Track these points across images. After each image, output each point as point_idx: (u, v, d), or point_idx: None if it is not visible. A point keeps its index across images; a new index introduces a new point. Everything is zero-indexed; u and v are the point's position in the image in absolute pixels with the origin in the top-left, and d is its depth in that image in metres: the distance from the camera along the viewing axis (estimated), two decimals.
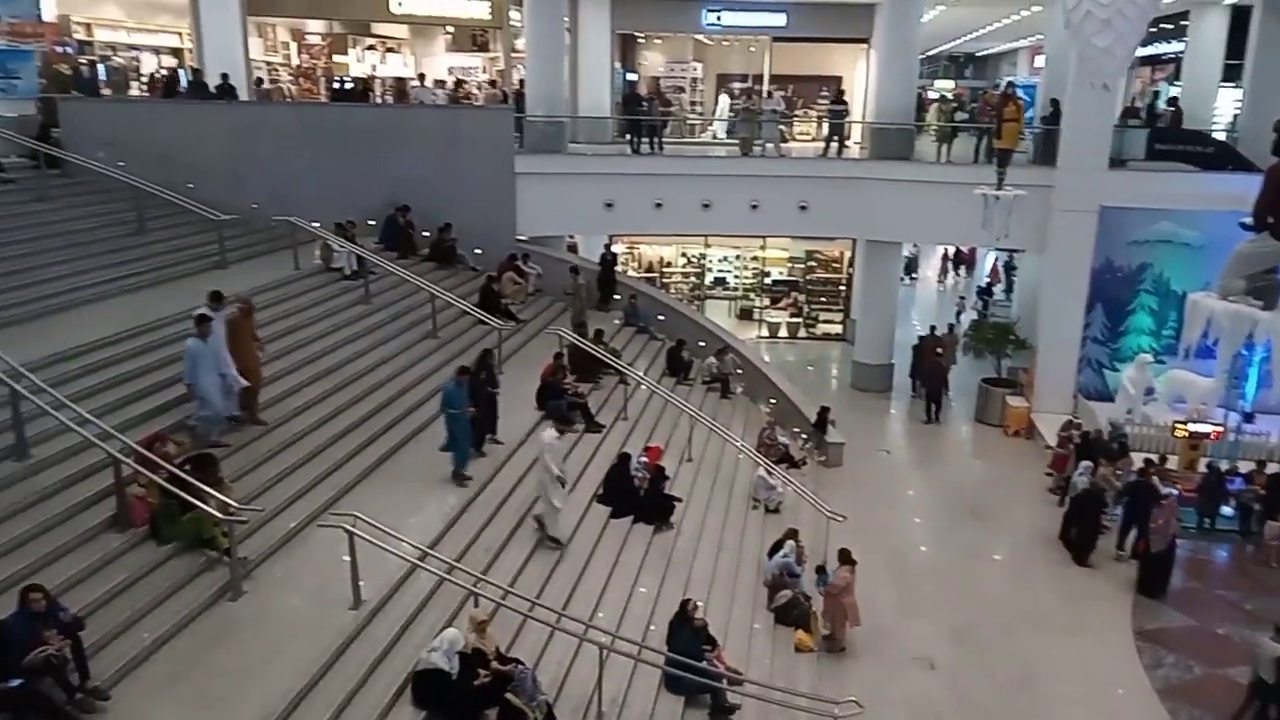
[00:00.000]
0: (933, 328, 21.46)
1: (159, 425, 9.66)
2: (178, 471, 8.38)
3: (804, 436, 17.65)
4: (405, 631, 8.29)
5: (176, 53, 22.52)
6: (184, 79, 19.43)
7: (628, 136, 21.72)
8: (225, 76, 18.42)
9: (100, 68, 19.57)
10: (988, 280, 31.35)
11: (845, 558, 11.82)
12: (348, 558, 8.16)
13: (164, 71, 20.60)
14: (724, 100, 26.38)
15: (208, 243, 14.58)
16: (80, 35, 20.56)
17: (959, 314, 27.25)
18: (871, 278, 22.66)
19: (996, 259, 31.17)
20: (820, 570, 12.37)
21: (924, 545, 15.22)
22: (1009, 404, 19.73)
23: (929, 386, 20.46)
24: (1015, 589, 13.88)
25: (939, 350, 20.84)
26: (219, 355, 9.98)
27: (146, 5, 22.20)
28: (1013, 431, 19.48)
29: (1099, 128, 18.59)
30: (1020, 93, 19.93)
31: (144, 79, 21.16)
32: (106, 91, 19.08)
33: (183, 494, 8.22)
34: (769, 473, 14.84)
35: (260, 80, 21.74)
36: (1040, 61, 30.30)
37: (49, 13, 18.58)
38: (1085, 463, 15.26)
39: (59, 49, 19.42)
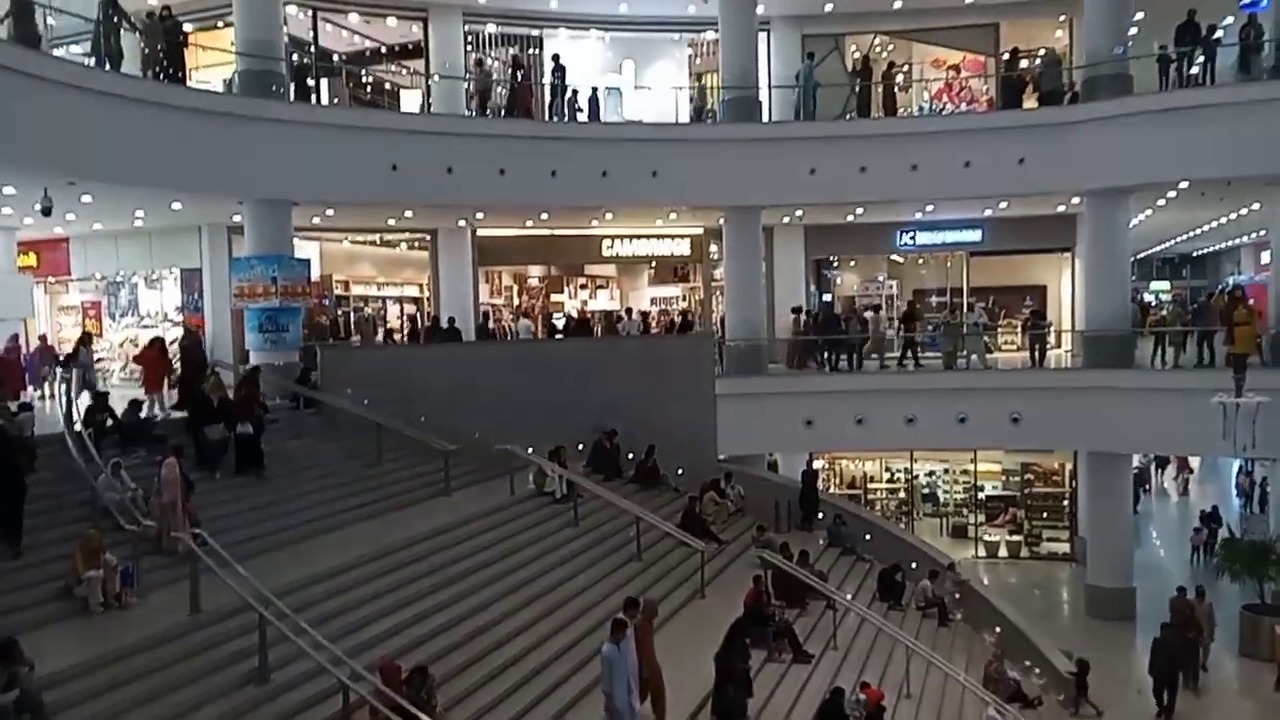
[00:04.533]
0: (1181, 589, 17.57)
1: (387, 648, 10.14)
2: (400, 700, 8.69)
3: (1036, 670, 16.04)
4: None
5: (416, 301, 25.41)
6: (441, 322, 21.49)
7: (825, 355, 22.05)
8: (452, 321, 20.52)
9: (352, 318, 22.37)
10: (1238, 493, 28.41)
11: None
12: None
13: (427, 319, 23.16)
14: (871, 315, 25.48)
15: (435, 471, 15.73)
16: (339, 290, 23.69)
17: (1194, 552, 24.32)
18: (1099, 491, 21.12)
19: (1241, 468, 28.34)
20: None
21: None
22: (1279, 635, 17.24)
23: (1171, 667, 15.87)
24: None
25: (1188, 621, 16.79)
26: (630, 663, 9.75)
27: (394, 262, 25.44)
28: None
29: None
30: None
31: (397, 323, 23.99)
32: (356, 338, 21.66)
33: None
34: (1000, 713, 13.49)
35: (486, 318, 23.94)
36: (1266, 258, 28.55)
37: (314, 273, 21.61)
38: None
39: (319, 301, 22.40)
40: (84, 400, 14.15)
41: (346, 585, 11.36)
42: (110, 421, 13.49)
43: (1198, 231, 34.90)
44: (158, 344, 16.53)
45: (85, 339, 16.39)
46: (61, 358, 20.07)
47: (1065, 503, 24.89)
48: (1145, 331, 21.60)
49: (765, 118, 22.03)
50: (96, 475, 11.39)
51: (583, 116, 21.15)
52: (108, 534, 10.46)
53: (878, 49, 25.14)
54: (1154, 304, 28.13)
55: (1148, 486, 30.78)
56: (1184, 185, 20.80)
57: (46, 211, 15.97)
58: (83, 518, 11.05)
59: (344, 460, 15.63)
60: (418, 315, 24.89)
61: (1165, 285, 46.66)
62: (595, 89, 21.52)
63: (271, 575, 10.48)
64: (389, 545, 12.56)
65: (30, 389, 17.87)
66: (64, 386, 14.00)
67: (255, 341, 18.26)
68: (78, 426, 12.57)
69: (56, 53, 16.55)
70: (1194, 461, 32.89)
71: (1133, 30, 20.75)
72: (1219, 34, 20.29)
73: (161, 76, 16.81)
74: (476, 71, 21.05)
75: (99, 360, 17.87)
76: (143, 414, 14.02)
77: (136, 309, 22.97)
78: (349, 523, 13.56)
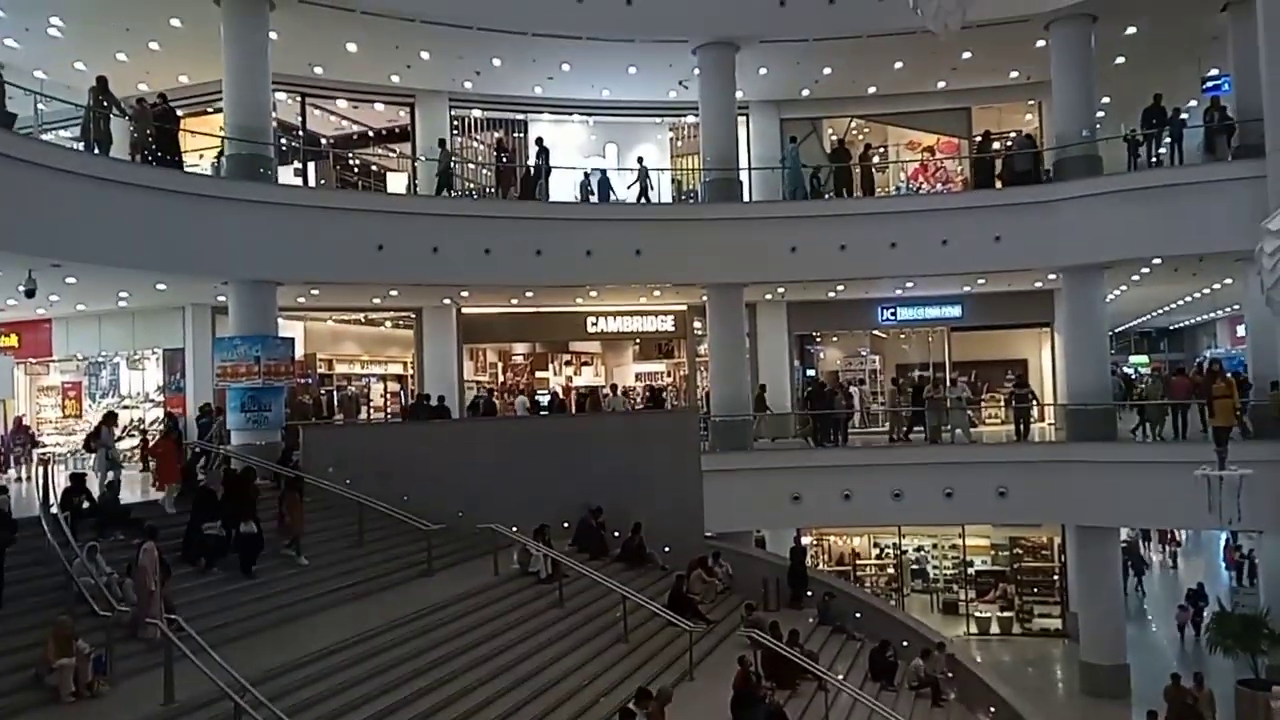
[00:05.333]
0: (1175, 676, 17.30)
1: None
2: None
3: None
4: None
5: (400, 379, 25.39)
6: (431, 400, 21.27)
7: (808, 425, 22.12)
8: (441, 399, 20.49)
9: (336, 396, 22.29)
10: (1226, 566, 28.28)
11: None
12: None
13: (413, 396, 23.05)
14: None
15: (418, 551, 15.49)
16: (322, 369, 23.66)
17: (1180, 630, 23.92)
18: (1088, 566, 20.97)
19: (1229, 541, 28.31)
20: None
21: None
22: (1275, 710, 16.95)
23: None
24: None
25: (1187, 711, 16.31)
26: None
27: (378, 340, 25.50)
28: None
29: None
30: (1226, 366, 19.11)
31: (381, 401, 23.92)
32: (339, 417, 21.54)
33: None
34: None
35: (490, 393, 23.94)
36: (1241, 331, 29.04)
37: (298, 352, 21.57)
38: None
39: (302, 380, 22.32)
40: (103, 477, 14.19)
41: (326, 671, 11.06)
42: (87, 504, 13.27)
43: (1174, 306, 35.53)
44: (173, 436, 15.96)
45: (109, 418, 15.98)
46: (37, 438, 19.98)
47: (1055, 577, 24.69)
48: (1130, 405, 21.74)
49: (746, 197, 22.48)
50: (72, 559, 11.15)
51: (593, 198, 21.71)
52: (81, 619, 10.21)
53: (854, 131, 25.86)
54: (1135, 376, 28.38)
55: (1146, 564, 30.26)
56: (1157, 262, 21.24)
57: (30, 293, 15.95)
58: (56, 603, 10.79)
59: (325, 541, 15.37)
60: (402, 393, 24.85)
61: (1144, 359, 47.27)
62: (604, 172, 22.11)
63: (249, 661, 10.23)
64: (371, 628, 12.28)
65: (9, 471, 17.67)
66: (41, 469, 13.82)
67: (237, 421, 18.09)
68: (54, 509, 12.35)
69: (46, 137, 16.79)
70: (1180, 534, 32.83)
71: (1100, 114, 21.46)
72: (1184, 116, 21.00)
73: (152, 160, 17.01)
74: (439, 151, 21.41)
75: (119, 439, 17.32)
76: (169, 509, 13.96)
77: (117, 389, 22.84)
78: (330, 605, 13.29)
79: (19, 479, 17.66)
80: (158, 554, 11.18)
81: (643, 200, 22.18)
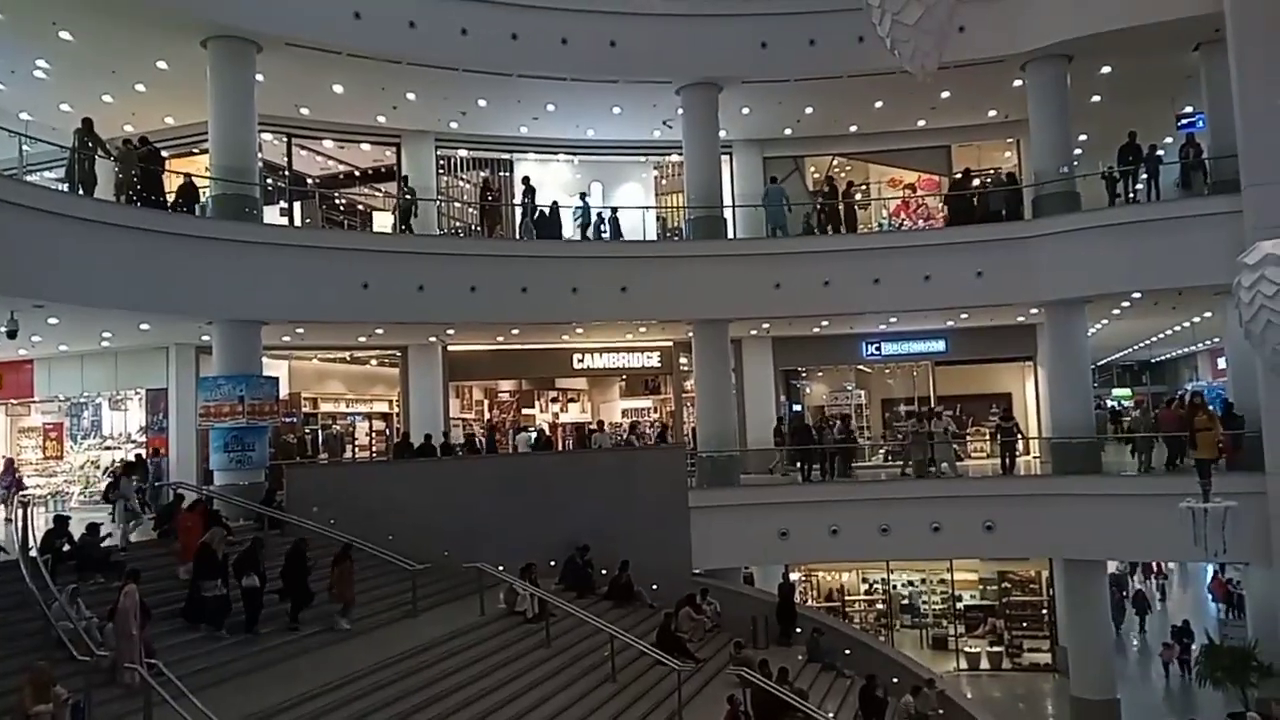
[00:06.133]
0: None
1: None
2: None
3: None
4: None
5: (385, 416, 25.30)
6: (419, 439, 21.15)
7: (798, 465, 22.09)
8: (428, 438, 20.43)
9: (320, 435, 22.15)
10: (1212, 599, 28.27)
11: None
12: None
13: (399, 434, 22.94)
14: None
15: (403, 592, 15.36)
16: (307, 408, 23.53)
17: (1165, 667, 23.80)
18: (1076, 599, 20.91)
19: (1217, 573, 28.32)
20: None
21: None
22: None
23: None
24: None
25: None
26: None
27: (364, 379, 25.44)
28: None
29: None
30: (1208, 397, 19.23)
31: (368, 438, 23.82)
32: (324, 456, 21.41)
33: None
34: None
35: (492, 430, 23.86)
36: (1222, 364, 29.29)
37: (283, 391, 21.46)
38: None
39: (286, 419, 22.18)
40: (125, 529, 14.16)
41: (310, 715, 10.90)
42: (67, 546, 13.10)
43: (1156, 339, 35.83)
44: (200, 508, 15.05)
45: (129, 468, 15.69)
46: (23, 480, 19.74)
47: (1044, 611, 24.63)
48: (1120, 437, 21.73)
49: (730, 234, 22.65)
50: (51, 603, 10.98)
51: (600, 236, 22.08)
52: (60, 665, 10.04)
53: (836, 169, 26.16)
54: (1121, 409, 28.54)
55: (1126, 593, 30.27)
56: (1137, 296, 21.46)
57: (12, 334, 15.82)
58: (34, 648, 10.62)
59: (310, 583, 15.12)
60: (387, 431, 24.75)
61: (1127, 392, 47.63)
62: (614, 209, 22.55)
63: (230, 706, 10.08)
64: (353, 671, 12.11)
65: None
66: (21, 511, 13.64)
67: (220, 461, 17.94)
68: (33, 552, 12.18)
69: (31, 178, 16.76)
70: (1166, 566, 32.84)
71: (1078, 151, 21.78)
72: (1160, 152, 21.35)
73: (137, 201, 17.02)
74: (400, 188, 21.43)
75: (138, 488, 16.45)
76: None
77: (99, 430, 22.64)
78: (314, 648, 13.13)
79: None
80: (139, 597, 11.03)
81: (588, 237, 22.28)
